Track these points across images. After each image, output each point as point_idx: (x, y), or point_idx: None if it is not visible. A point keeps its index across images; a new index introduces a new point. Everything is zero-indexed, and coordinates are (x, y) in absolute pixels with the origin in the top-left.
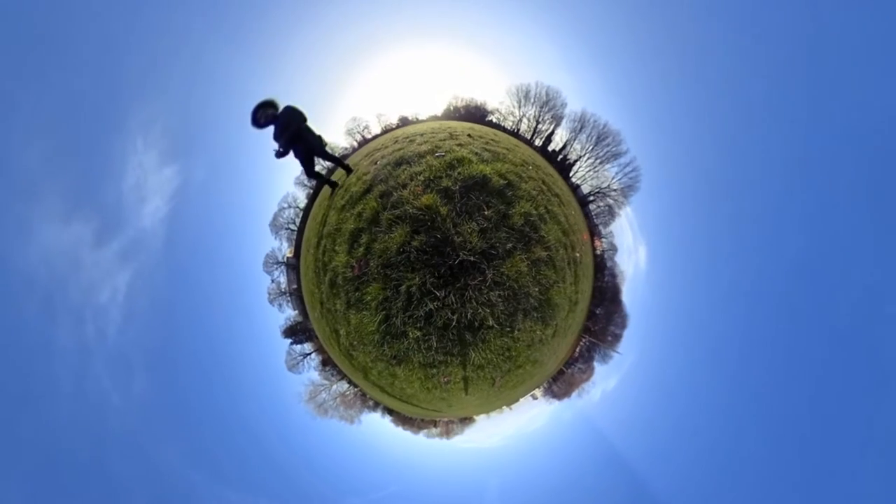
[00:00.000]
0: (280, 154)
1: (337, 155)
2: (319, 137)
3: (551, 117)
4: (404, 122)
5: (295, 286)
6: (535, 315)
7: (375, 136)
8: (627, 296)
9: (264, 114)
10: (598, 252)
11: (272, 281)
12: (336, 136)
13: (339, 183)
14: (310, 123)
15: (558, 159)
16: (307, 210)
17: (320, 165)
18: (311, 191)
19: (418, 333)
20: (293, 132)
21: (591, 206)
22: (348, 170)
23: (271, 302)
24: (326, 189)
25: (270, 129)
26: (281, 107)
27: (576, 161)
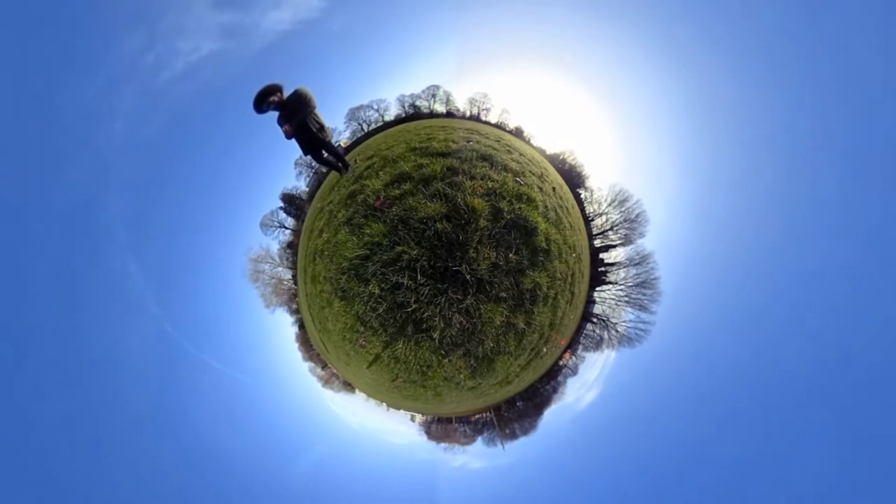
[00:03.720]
0: (290, 136)
1: (339, 150)
2: (326, 128)
3: (623, 234)
4: (518, 132)
5: (324, 171)
6: (472, 362)
7: (486, 122)
8: (550, 414)
9: (268, 101)
10: (561, 363)
11: None
12: (460, 100)
13: (346, 172)
14: (318, 111)
15: (599, 268)
16: (387, 126)
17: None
18: (403, 114)
19: (377, 292)
20: (301, 120)
21: (588, 325)
22: (343, 167)
23: (296, 165)
24: (409, 126)
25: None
26: (287, 91)
27: (610, 283)
